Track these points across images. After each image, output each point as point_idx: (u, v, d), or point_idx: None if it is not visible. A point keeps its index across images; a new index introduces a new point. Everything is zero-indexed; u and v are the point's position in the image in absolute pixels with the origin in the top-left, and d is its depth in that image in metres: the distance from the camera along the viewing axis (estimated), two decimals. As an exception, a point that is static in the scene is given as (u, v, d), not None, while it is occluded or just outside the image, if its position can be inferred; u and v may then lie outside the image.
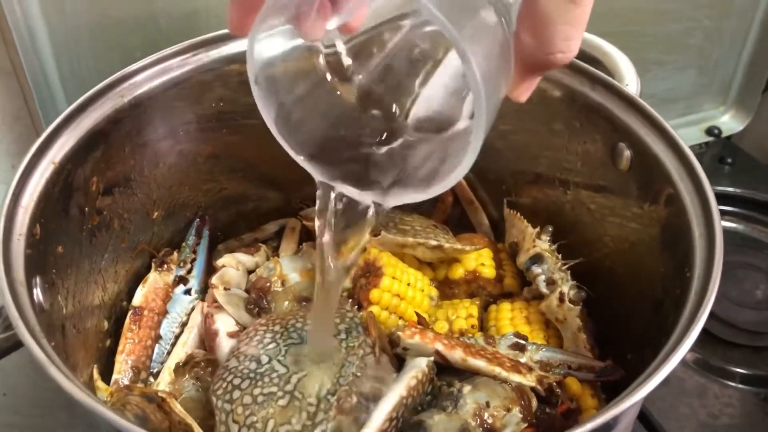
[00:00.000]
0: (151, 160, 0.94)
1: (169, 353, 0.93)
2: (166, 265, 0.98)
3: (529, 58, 0.49)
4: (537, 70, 0.51)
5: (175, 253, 1.01)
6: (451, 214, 1.14)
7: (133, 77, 0.89)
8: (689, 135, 1.50)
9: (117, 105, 0.87)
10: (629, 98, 0.87)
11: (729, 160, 1.49)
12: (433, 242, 0.95)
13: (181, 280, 1.00)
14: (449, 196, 1.11)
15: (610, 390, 0.88)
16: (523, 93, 0.53)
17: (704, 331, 1.14)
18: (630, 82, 0.96)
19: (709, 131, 1.51)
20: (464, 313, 0.95)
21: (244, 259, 1.00)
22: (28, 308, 0.64)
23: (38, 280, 0.71)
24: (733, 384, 1.11)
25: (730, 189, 1.40)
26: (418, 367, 0.80)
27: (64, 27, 0.96)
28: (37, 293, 0.69)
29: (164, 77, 0.91)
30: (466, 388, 0.79)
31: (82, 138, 0.82)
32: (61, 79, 0.95)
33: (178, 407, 0.75)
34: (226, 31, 0.93)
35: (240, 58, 0.96)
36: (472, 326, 0.94)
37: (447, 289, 1.00)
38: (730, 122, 1.55)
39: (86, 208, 0.85)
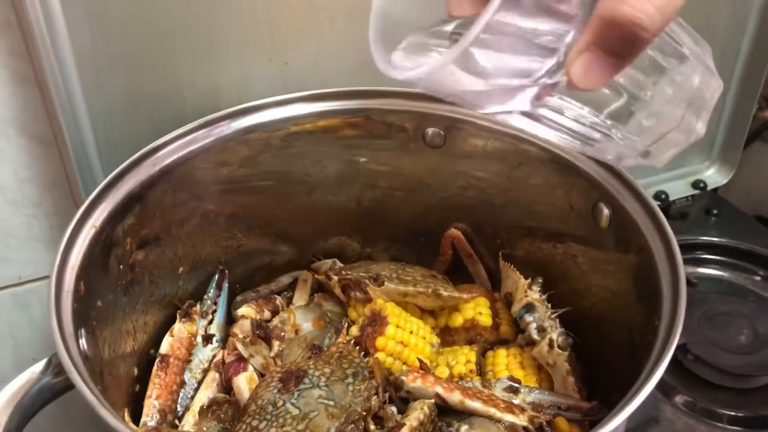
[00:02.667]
0: (178, 220, 1.04)
1: (192, 397, 1.02)
2: (189, 316, 1.08)
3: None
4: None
5: (198, 305, 1.10)
6: (451, 266, 1.24)
7: (163, 148, 0.99)
8: (677, 188, 1.59)
9: (150, 173, 0.97)
10: (606, 162, 0.97)
11: (715, 212, 1.57)
12: (432, 290, 1.04)
13: (205, 333, 1.09)
14: (449, 249, 1.20)
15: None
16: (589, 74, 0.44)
17: (692, 374, 1.23)
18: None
19: (695, 185, 1.60)
20: (463, 359, 1.03)
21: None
22: (77, 356, 0.73)
23: (83, 331, 0.80)
24: (720, 425, 1.18)
25: (716, 239, 1.48)
26: (420, 410, 0.88)
27: (101, 101, 1.07)
28: (83, 343, 0.78)
29: (190, 147, 1.01)
30: (464, 428, 0.87)
31: (119, 203, 0.93)
32: (97, 148, 1.06)
33: (202, 446, 0.83)
34: (245, 105, 1.06)
35: (258, 128, 1.07)
36: (471, 371, 1.02)
37: (447, 337, 1.09)
38: (714, 176, 1.63)
39: (121, 266, 0.95)
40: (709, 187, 1.61)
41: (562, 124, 0.56)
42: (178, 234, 1.06)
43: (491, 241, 1.18)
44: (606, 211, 0.96)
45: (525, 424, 0.90)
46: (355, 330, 1.05)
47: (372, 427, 0.87)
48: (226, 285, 1.14)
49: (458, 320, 1.08)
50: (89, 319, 0.85)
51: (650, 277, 0.85)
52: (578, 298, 1.06)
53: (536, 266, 1.11)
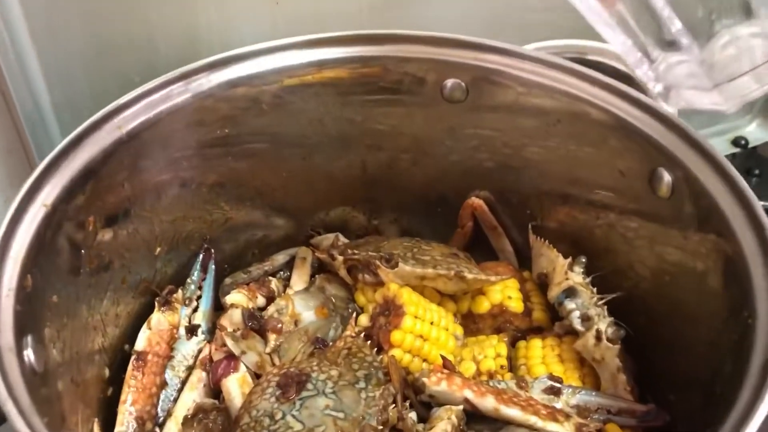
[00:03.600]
0: (152, 193, 0.88)
1: (175, 400, 0.87)
2: (170, 305, 0.92)
3: None
4: None
5: (180, 291, 0.94)
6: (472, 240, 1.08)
7: (131, 107, 0.82)
8: (715, 146, 1.43)
9: (115, 137, 0.80)
10: (669, 119, 0.80)
11: (756, 172, 1.41)
12: (455, 273, 0.88)
13: (189, 323, 0.93)
14: (469, 221, 1.04)
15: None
16: None
17: None
18: (666, 99, 0.88)
19: (736, 142, 1.44)
20: (492, 352, 0.88)
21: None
22: (17, 378, 0.57)
23: (29, 339, 0.64)
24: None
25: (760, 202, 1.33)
26: (447, 419, 0.73)
27: (55, 50, 0.89)
28: (28, 355, 0.63)
29: (164, 105, 0.84)
30: (501, 442, 0.72)
31: (75, 176, 0.76)
32: (54, 108, 0.89)
33: (184, 471, 0.69)
34: (228, 53, 0.88)
35: (244, 81, 0.90)
36: (502, 367, 0.87)
37: (471, 324, 0.94)
38: (756, 132, 1.48)
39: (83, 250, 0.78)
40: (751, 145, 1.45)
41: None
42: (154, 208, 0.89)
43: (519, 212, 1.02)
44: (667, 178, 0.80)
45: (572, 434, 0.75)
46: (364, 319, 0.89)
47: (390, 442, 0.73)
48: (212, 266, 0.98)
49: (484, 305, 0.93)
50: (40, 321, 0.69)
51: (733, 261, 0.70)
52: (621, 279, 0.91)
53: (571, 240, 0.96)
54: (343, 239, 1.06)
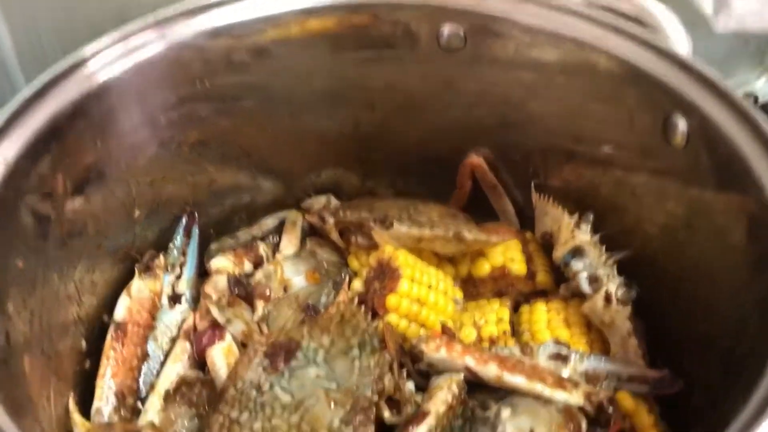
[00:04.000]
0: (128, 152, 0.82)
1: (158, 373, 0.82)
2: (151, 271, 0.86)
3: None
4: None
5: (162, 257, 0.89)
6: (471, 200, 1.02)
7: (102, 56, 0.76)
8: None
9: (84, 88, 0.74)
10: (683, 62, 0.74)
11: None
12: (454, 233, 0.83)
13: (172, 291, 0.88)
14: (468, 180, 0.98)
15: (665, 404, 0.76)
16: None
17: None
18: (679, 42, 0.82)
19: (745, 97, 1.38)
20: (494, 317, 0.83)
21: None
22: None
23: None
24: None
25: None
26: (448, 389, 0.68)
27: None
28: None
29: (138, 54, 0.78)
30: (505, 413, 0.67)
31: (40, 130, 0.70)
32: (18, 56, 0.83)
33: (165, 447, 0.64)
34: (209, -1, 0.82)
35: (225, 30, 0.83)
36: (504, 332, 0.82)
37: (471, 289, 0.88)
38: (767, 87, 1.41)
39: (53, 213, 0.72)
40: (761, 100, 1.38)
41: None
42: (130, 169, 0.83)
43: (520, 170, 0.96)
44: (682, 126, 0.74)
45: (581, 403, 0.70)
46: (358, 284, 0.84)
47: (386, 414, 0.68)
48: (196, 231, 0.92)
49: (485, 268, 0.87)
50: (2, 288, 0.63)
51: (755, 212, 0.64)
52: (632, 239, 0.85)
53: (576, 199, 0.90)
54: (335, 201, 1.00)
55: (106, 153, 0.79)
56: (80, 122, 0.74)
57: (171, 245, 0.91)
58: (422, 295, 0.79)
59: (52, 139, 0.71)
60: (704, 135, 0.72)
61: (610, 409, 0.70)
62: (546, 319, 0.83)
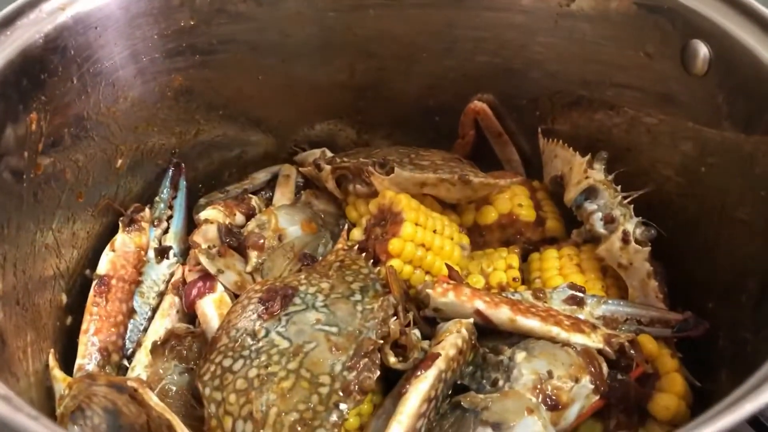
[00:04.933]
0: (108, 93, 0.76)
1: (145, 330, 0.77)
2: (136, 224, 0.81)
3: None
4: None
5: (148, 210, 0.83)
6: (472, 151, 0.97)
7: (77, -16, 0.70)
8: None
9: (57, 20, 0.68)
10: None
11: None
12: (459, 176, 0.78)
13: (159, 245, 0.83)
14: (471, 128, 0.93)
15: (688, 348, 0.72)
16: None
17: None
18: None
19: None
20: (502, 264, 0.78)
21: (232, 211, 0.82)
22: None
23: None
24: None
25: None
26: (457, 333, 0.63)
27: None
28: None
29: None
30: (520, 356, 0.62)
31: (10, 61, 0.64)
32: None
33: (153, 399, 0.58)
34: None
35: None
36: (514, 279, 0.77)
37: (477, 237, 0.83)
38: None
39: (25, 153, 0.67)
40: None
41: None
42: (111, 112, 0.78)
43: (526, 115, 0.91)
44: (704, 52, 0.69)
45: (600, 346, 0.65)
46: (357, 233, 0.79)
47: (392, 359, 0.63)
48: (183, 183, 0.87)
49: (491, 215, 0.82)
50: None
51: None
52: (646, 179, 0.80)
53: (586, 144, 0.85)
54: (329, 154, 0.94)
55: (84, 91, 0.73)
56: (54, 56, 0.68)
57: (157, 198, 0.86)
58: (427, 240, 0.74)
59: (24, 72, 0.66)
60: (727, 58, 0.67)
61: (632, 353, 0.65)
62: (558, 266, 0.78)
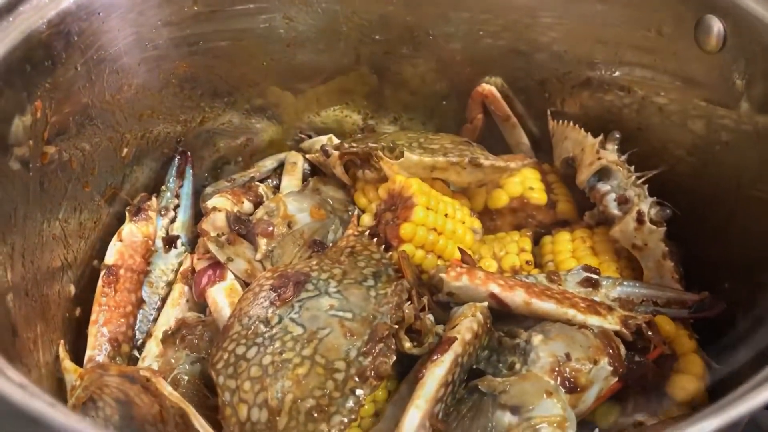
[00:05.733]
0: (113, 80, 0.75)
1: (155, 320, 0.76)
2: (143, 214, 0.80)
3: None
4: None
5: (154, 199, 0.82)
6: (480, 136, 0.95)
7: (78, -30, 0.69)
8: None
9: (60, 5, 0.67)
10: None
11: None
12: (470, 160, 0.77)
13: (167, 234, 0.82)
14: (479, 112, 0.92)
15: (705, 329, 0.71)
16: None
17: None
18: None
19: None
20: (515, 247, 0.77)
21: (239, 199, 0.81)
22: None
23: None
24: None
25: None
26: (472, 317, 0.62)
27: None
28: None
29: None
30: (537, 338, 0.61)
31: (12, 50, 0.63)
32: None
33: (167, 389, 0.58)
34: None
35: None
36: (527, 262, 0.76)
37: (487, 222, 0.82)
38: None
39: (31, 142, 0.66)
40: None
41: None
42: (116, 100, 0.77)
43: (535, 98, 0.90)
44: (718, 27, 0.68)
45: (617, 327, 0.65)
46: (367, 219, 0.78)
47: (407, 344, 0.62)
48: (189, 171, 0.86)
49: (502, 199, 0.82)
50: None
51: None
52: (659, 160, 0.79)
53: (597, 126, 0.84)
54: (336, 141, 0.93)
55: (88, 80, 0.72)
56: (57, 42, 0.67)
57: (163, 187, 0.85)
58: (438, 224, 0.73)
59: (27, 58, 0.65)
60: (742, 33, 0.66)
61: (650, 333, 0.65)
62: (571, 248, 0.77)
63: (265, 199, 0.84)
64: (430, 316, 0.66)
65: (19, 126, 0.64)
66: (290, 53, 0.88)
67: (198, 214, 0.84)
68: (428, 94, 0.95)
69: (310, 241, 0.77)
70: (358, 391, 0.57)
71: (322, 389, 0.57)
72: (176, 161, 0.85)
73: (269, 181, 0.92)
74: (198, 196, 0.88)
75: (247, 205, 0.82)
